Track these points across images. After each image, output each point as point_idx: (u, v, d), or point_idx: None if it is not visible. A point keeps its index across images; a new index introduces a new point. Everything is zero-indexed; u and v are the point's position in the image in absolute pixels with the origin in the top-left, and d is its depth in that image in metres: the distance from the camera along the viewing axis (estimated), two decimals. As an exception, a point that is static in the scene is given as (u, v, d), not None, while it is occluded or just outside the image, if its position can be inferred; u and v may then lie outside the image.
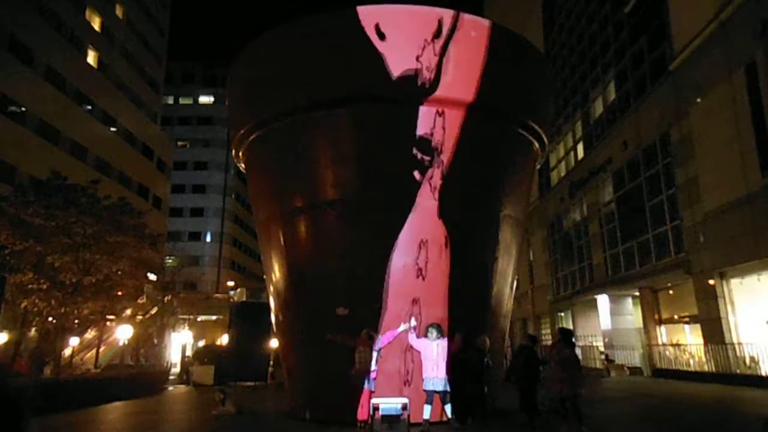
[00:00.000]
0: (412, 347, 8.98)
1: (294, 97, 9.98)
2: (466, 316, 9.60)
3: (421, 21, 9.74)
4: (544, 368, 8.82)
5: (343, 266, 9.64)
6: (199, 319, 41.80)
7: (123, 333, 25.25)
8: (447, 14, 9.74)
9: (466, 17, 9.94)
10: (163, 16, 48.69)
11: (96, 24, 36.86)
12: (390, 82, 9.40)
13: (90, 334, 27.20)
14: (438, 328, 8.87)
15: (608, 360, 22.02)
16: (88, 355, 27.07)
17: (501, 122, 10.42)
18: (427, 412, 8.40)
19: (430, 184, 9.63)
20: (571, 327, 27.92)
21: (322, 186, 10.01)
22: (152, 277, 30.52)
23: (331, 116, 9.79)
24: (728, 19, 15.93)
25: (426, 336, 8.85)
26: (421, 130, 9.68)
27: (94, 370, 23.52)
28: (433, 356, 8.63)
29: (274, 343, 20.08)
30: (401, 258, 9.44)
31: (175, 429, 10.51)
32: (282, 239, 10.49)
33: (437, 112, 9.65)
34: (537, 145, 11.52)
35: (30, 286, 17.70)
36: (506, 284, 10.90)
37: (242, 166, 12.68)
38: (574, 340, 8.13)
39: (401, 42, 9.53)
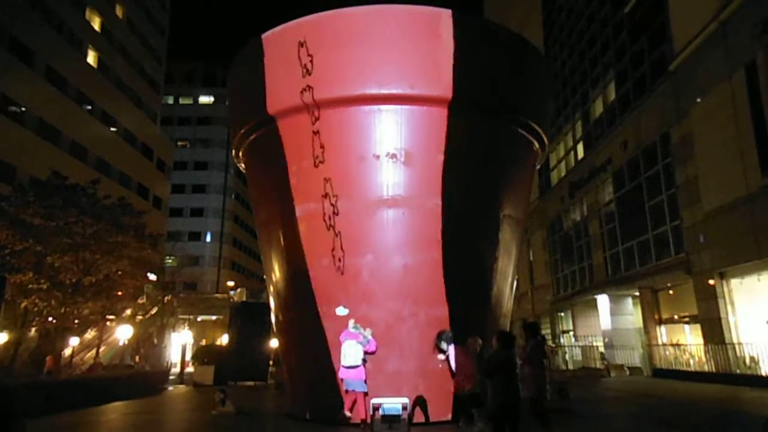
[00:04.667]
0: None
1: (293, 98, 9.97)
2: (465, 316, 9.60)
3: (416, 20, 9.78)
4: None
5: (343, 266, 9.62)
6: (199, 319, 41.87)
7: (123, 333, 25.25)
8: (446, 14, 9.78)
9: (464, 17, 9.98)
10: (163, 16, 48.69)
11: (96, 24, 36.87)
12: (385, 82, 9.42)
13: (90, 334, 27.21)
14: (448, 335, 8.86)
15: (604, 358, 22.42)
16: (88, 355, 27.08)
17: (501, 122, 10.41)
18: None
19: (430, 184, 9.65)
20: (570, 327, 27.99)
21: (321, 186, 9.98)
22: (152, 277, 30.53)
23: (328, 116, 9.79)
24: (728, 19, 15.93)
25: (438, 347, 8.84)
26: (420, 130, 9.70)
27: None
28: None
29: (274, 343, 20.07)
30: (402, 258, 9.44)
31: (175, 429, 10.51)
32: (282, 239, 10.49)
33: (436, 112, 9.66)
34: (537, 145, 11.52)
35: (30, 286, 17.71)
36: (506, 284, 10.90)
37: (242, 166, 12.68)
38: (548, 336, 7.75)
39: (396, 41, 9.55)
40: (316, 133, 9.75)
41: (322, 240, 9.66)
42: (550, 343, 29.37)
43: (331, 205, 9.61)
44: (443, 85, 9.53)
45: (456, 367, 8.50)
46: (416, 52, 9.62)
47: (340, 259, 9.49)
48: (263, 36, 10.44)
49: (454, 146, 9.65)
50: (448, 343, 8.77)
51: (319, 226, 9.69)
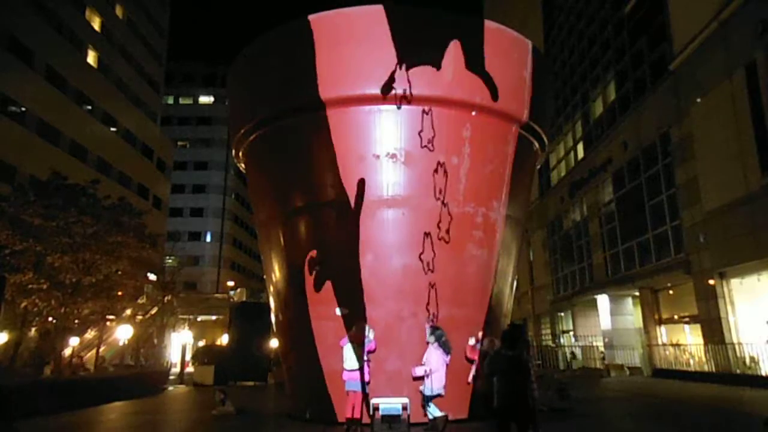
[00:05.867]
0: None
1: (293, 98, 9.97)
2: (466, 316, 9.61)
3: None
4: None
5: (343, 266, 9.62)
6: (199, 319, 41.82)
7: (123, 333, 25.24)
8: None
9: (467, 18, 10.03)
10: (163, 16, 48.65)
11: (96, 24, 36.84)
12: (385, 83, 9.43)
13: (90, 334, 27.19)
14: (440, 334, 8.75)
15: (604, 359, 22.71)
16: (88, 355, 27.07)
17: (501, 122, 10.41)
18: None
19: (430, 184, 9.65)
20: (570, 327, 27.98)
21: (321, 186, 9.99)
22: (152, 277, 30.52)
23: (329, 117, 9.80)
24: (728, 19, 15.94)
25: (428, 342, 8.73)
26: (420, 130, 9.70)
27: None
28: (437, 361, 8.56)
29: (274, 343, 20.08)
30: (402, 258, 9.44)
31: (175, 429, 10.51)
32: (282, 239, 10.49)
33: (435, 112, 9.67)
34: (537, 145, 11.53)
35: (30, 286, 17.68)
36: (506, 284, 10.90)
37: (242, 166, 12.68)
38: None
39: (396, 42, 9.57)
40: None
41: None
42: (549, 343, 29.41)
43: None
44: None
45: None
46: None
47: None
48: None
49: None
50: (436, 340, 8.62)
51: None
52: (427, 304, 9.38)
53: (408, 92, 9.45)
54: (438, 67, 9.56)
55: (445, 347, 8.64)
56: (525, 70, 10.53)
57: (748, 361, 15.27)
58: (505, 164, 10.41)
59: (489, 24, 10.27)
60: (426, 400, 8.43)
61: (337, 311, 9.41)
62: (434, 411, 8.35)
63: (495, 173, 10.24)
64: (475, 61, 9.80)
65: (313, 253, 9.82)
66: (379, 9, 9.73)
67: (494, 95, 9.91)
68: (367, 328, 8.83)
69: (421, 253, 9.46)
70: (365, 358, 8.60)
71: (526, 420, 5.64)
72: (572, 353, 25.56)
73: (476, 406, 9.11)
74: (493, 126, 10.13)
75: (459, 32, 9.88)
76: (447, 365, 8.60)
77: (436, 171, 9.61)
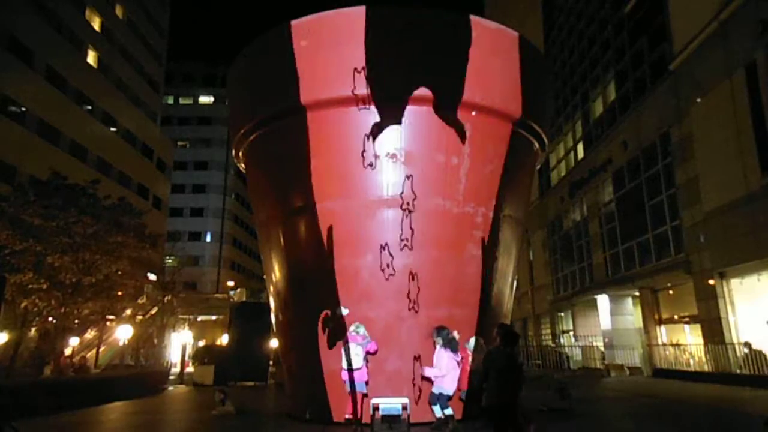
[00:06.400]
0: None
1: (292, 98, 9.96)
2: (466, 316, 9.60)
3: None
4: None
5: (342, 266, 9.62)
6: (199, 319, 41.82)
7: (123, 333, 25.24)
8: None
9: (463, 18, 10.02)
10: (163, 16, 48.63)
11: (96, 24, 36.82)
12: (386, 83, 9.42)
13: (90, 334, 27.18)
14: (446, 335, 8.69)
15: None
16: (88, 355, 27.06)
17: (500, 122, 10.40)
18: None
19: (430, 184, 9.65)
20: (570, 327, 27.98)
21: (321, 186, 9.98)
22: (152, 277, 30.50)
23: (327, 117, 9.79)
24: (728, 19, 15.94)
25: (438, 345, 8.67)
26: (421, 130, 9.70)
27: (94, 370, 23.54)
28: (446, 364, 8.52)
29: (274, 343, 20.07)
30: (401, 258, 9.43)
31: (175, 429, 10.51)
32: (282, 239, 10.49)
33: (437, 113, 9.67)
34: (537, 144, 11.53)
35: (30, 286, 17.66)
36: (506, 284, 10.90)
37: (242, 166, 12.68)
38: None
39: (394, 43, 9.57)
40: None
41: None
42: (549, 343, 29.41)
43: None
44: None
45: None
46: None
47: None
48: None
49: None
50: (444, 342, 8.58)
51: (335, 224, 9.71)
52: (422, 303, 9.39)
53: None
54: (435, 66, 9.57)
55: (452, 345, 8.60)
56: (523, 69, 10.48)
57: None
58: (505, 164, 10.40)
59: (485, 23, 10.25)
60: (443, 399, 8.39)
61: (337, 311, 9.40)
62: (447, 410, 8.33)
63: (495, 173, 10.23)
64: (472, 61, 9.82)
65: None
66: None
67: (493, 94, 9.90)
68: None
69: (419, 255, 9.46)
70: (365, 358, 8.61)
71: (518, 418, 5.65)
72: (558, 353, 25.46)
73: (471, 407, 9.12)
74: (492, 126, 10.13)
75: (456, 32, 9.89)
76: (460, 364, 8.58)
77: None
